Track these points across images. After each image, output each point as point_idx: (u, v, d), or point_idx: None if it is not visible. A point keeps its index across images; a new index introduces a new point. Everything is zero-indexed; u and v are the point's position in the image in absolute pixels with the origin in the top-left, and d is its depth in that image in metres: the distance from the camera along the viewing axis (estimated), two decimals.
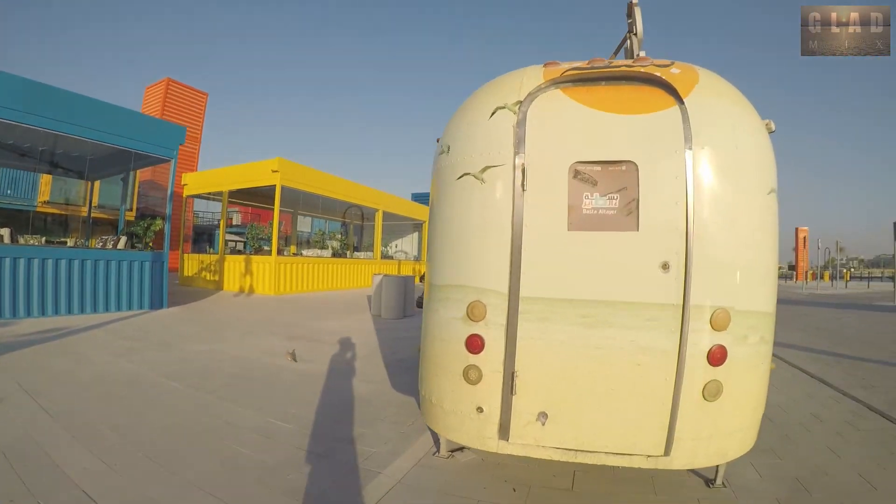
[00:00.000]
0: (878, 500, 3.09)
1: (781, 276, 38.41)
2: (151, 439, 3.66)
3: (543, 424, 2.68)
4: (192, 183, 19.79)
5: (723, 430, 2.59)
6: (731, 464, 3.15)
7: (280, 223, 19.57)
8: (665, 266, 2.53)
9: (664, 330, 2.53)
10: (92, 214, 15.20)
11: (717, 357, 2.52)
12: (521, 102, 2.80)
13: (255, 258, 16.66)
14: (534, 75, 2.92)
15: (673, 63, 2.80)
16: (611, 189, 2.64)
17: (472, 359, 2.76)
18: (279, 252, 17.26)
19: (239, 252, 23.46)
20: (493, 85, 3.04)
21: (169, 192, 10.89)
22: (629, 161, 2.61)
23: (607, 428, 2.63)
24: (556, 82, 2.83)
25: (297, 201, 20.90)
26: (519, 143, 2.75)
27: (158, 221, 23.53)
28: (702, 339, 2.51)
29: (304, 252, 22.06)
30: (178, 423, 3.99)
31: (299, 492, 2.94)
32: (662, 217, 2.55)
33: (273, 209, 16.13)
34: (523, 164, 2.74)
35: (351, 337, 8.49)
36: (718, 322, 2.51)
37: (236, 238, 34.67)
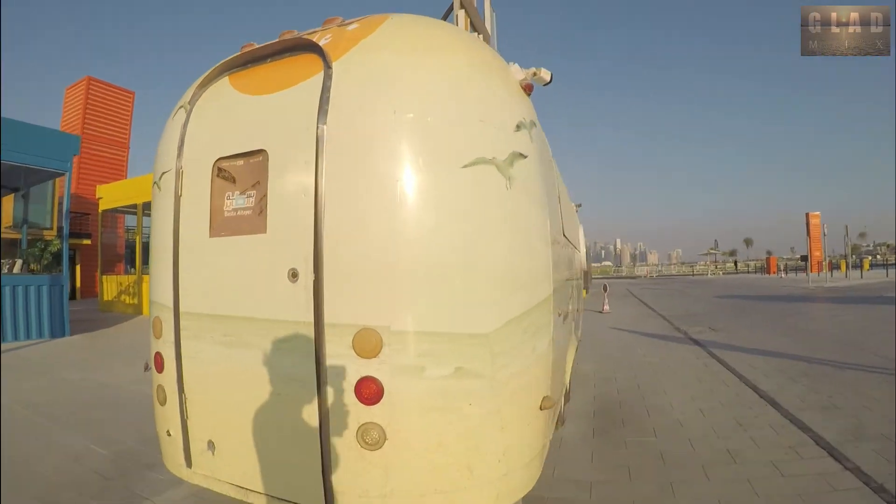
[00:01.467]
0: None
1: (793, 269, 36.33)
2: None
3: (213, 454, 2.36)
4: (108, 195, 17.72)
5: (409, 491, 1.95)
6: None
7: None
8: (293, 274, 2.05)
9: (299, 354, 2.02)
10: (4, 235, 13.72)
11: (367, 392, 1.93)
12: (191, 97, 2.56)
13: None
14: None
15: (358, 20, 2.26)
16: (247, 185, 2.27)
17: (158, 378, 2.58)
18: None
19: None
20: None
21: (65, 207, 10.01)
22: (261, 150, 2.20)
23: (271, 468, 2.18)
24: (225, 69, 2.50)
25: None
26: (181, 144, 2.51)
27: (56, 242, 20.70)
28: (346, 368, 1.96)
29: None
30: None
31: None
32: (291, 214, 2.07)
33: None
34: (181, 167, 2.50)
35: None
36: (363, 346, 1.92)
37: None
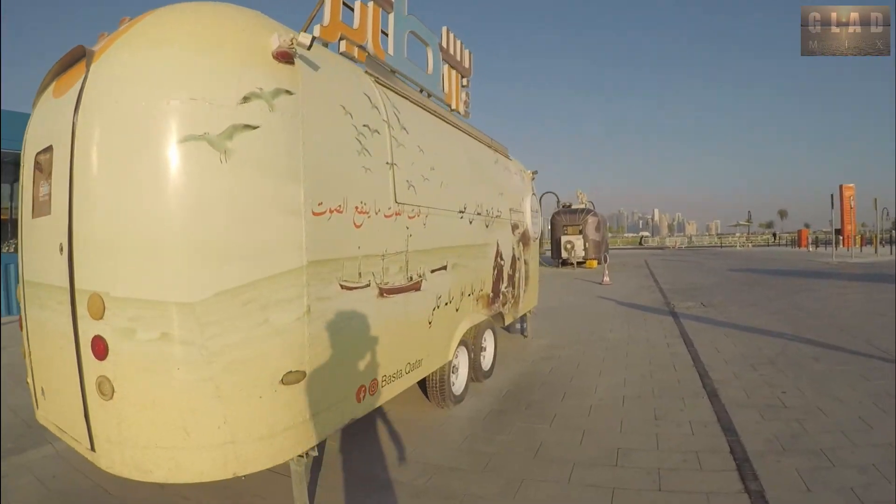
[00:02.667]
0: None
1: (823, 242, 33.96)
2: None
3: (45, 399, 2.76)
4: None
5: (136, 441, 2.16)
6: None
7: None
8: (61, 249, 2.36)
9: (65, 315, 2.33)
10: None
11: (97, 349, 2.17)
12: (34, 98, 2.99)
13: None
14: None
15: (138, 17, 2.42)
16: (48, 176, 2.56)
17: (21, 336, 3.02)
18: None
19: None
20: None
21: None
22: (50, 146, 2.51)
23: (66, 413, 2.51)
24: (55, 73, 2.73)
25: None
26: (23, 140, 2.98)
27: None
28: (87, 328, 2.22)
29: None
30: None
31: None
32: (60, 199, 2.36)
33: None
34: (22, 160, 2.98)
35: None
36: (93, 309, 2.16)
37: None
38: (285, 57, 2.30)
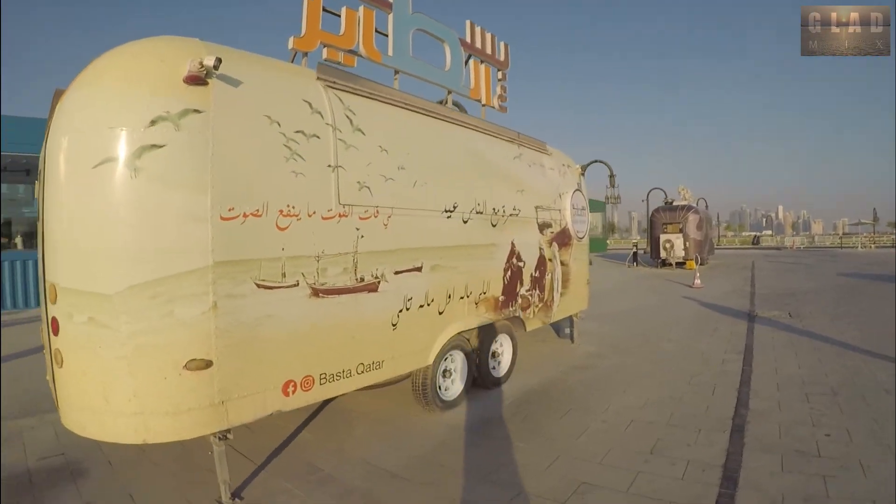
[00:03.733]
0: None
1: None
2: None
3: None
4: None
5: (76, 403, 2.64)
6: None
7: None
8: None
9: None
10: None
11: (53, 327, 2.66)
12: None
13: None
14: None
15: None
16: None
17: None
18: None
19: None
20: None
21: None
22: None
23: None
24: None
25: None
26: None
27: None
28: (49, 310, 2.69)
29: None
30: None
31: None
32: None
33: None
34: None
35: None
36: (51, 295, 2.66)
37: None
38: (195, 80, 2.53)
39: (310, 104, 3.01)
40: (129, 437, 2.52)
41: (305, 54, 3.56)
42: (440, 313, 3.89)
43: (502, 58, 5.83)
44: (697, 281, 12.96)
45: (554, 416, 4.03)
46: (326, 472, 3.16)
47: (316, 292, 2.97)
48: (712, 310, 9.30)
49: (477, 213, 4.27)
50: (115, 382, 2.48)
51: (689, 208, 18.93)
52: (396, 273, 3.47)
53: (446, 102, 5.12)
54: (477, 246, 4.29)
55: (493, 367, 4.82)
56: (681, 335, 7.03)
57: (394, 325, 3.48)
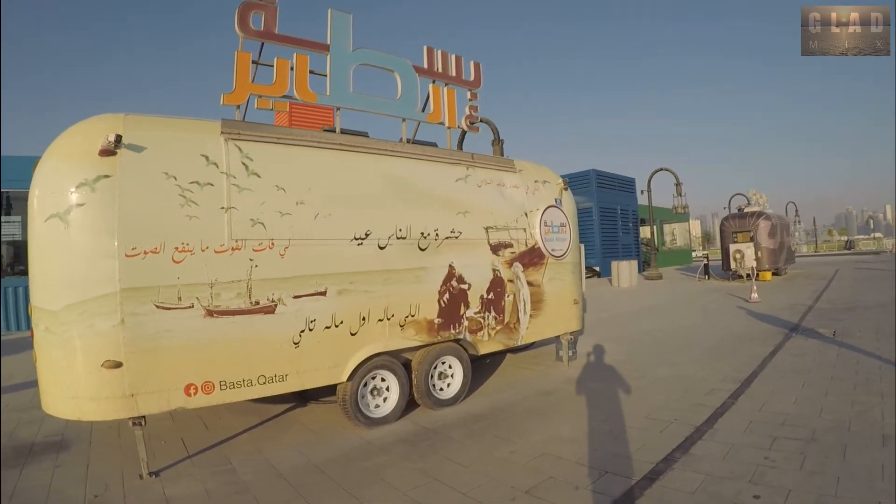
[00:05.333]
0: None
1: None
2: None
3: None
4: None
5: (43, 388, 3.51)
6: None
7: None
8: None
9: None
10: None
11: (31, 335, 3.53)
12: None
13: None
14: None
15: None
16: None
17: None
18: None
19: None
20: None
21: None
22: None
23: None
24: None
25: None
26: None
27: None
28: (33, 325, 3.53)
29: None
30: None
31: None
32: None
33: None
34: None
35: None
36: (30, 312, 3.53)
37: None
38: (106, 153, 3.34)
39: (206, 157, 3.66)
40: (70, 414, 3.40)
41: (238, 107, 4.03)
42: (353, 334, 4.17)
43: (472, 77, 5.93)
44: (754, 295, 11.97)
45: (470, 441, 4.05)
46: (233, 465, 3.72)
47: (210, 313, 3.56)
48: (753, 328, 8.53)
49: (398, 238, 4.51)
50: (60, 374, 3.37)
51: (759, 214, 17.22)
52: (296, 297, 3.90)
53: (414, 133, 5.35)
54: (398, 270, 4.51)
55: (441, 389, 4.91)
56: (688, 359, 6.49)
57: (296, 344, 3.89)
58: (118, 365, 3.26)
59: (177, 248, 3.46)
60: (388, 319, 4.40)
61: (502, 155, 9.86)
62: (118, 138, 3.31)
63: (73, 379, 3.30)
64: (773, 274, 17.54)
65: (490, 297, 5.24)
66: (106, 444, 4.22)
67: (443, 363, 4.94)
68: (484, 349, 5.24)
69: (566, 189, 6.45)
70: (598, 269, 23.77)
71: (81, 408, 3.33)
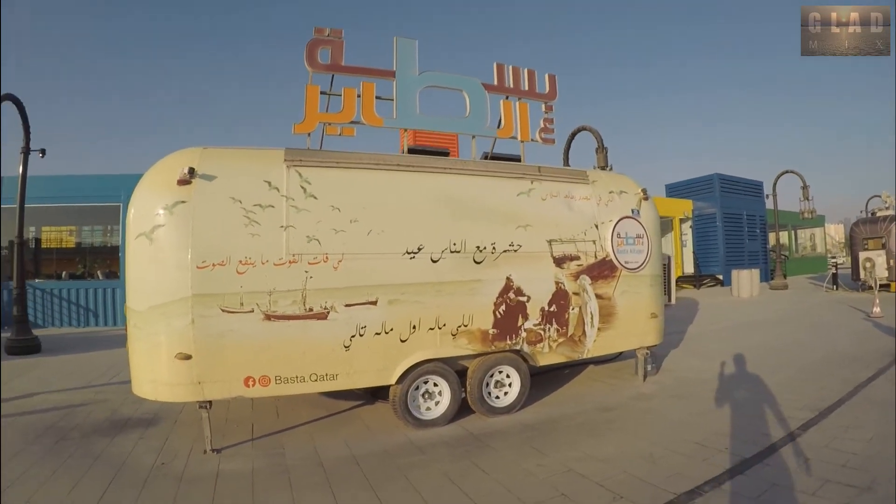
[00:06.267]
0: None
1: None
2: None
3: None
4: None
5: (134, 374, 4.17)
6: None
7: None
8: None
9: None
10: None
11: (126, 331, 4.32)
12: None
13: None
14: None
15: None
16: None
17: None
18: None
19: None
20: None
21: None
22: None
23: None
24: None
25: None
26: None
27: None
28: (126, 321, 4.30)
29: None
30: None
31: None
32: None
33: None
34: None
35: None
36: (126, 311, 4.24)
37: None
38: (183, 182, 3.97)
39: (269, 182, 4.19)
40: (150, 395, 4.05)
41: (309, 135, 4.53)
42: (402, 341, 4.44)
43: (547, 90, 5.90)
44: (877, 309, 10.86)
45: (506, 450, 4.11)
46: (284, 451, 4.21)
47: (268, 317, 4.07)
48: (861, 348, 7.54)
49: (452, 252, 4.65)
50: (143, 362, 4.04)
51: (893, 219, 14.61)
52: (348, 305, 4.27)
53: (491, 148, 5.56)
54: (450, 283, 4.66)
55: (496, 397, 5.02)
56: (776, 381, 5.75)
57: (346, 347, 4.28)
58: (188, 357, 3.86)
59: (240, 262, 4.01)
60: (440, 328, 4.60)
61: (606, 163, 9.52)
62: (191, 171, 3.96)
63: (153, 366, 3.96)
64: None
65: (552, 309, 5.18)
66: (188, 424, 4.85)
67: (500, 372, 5.02)
68: (544, 361, 5.20)
69: (646, 198, 6.10)
70: (720, 277, 21.85)
71: (158, 390, 3.98)
